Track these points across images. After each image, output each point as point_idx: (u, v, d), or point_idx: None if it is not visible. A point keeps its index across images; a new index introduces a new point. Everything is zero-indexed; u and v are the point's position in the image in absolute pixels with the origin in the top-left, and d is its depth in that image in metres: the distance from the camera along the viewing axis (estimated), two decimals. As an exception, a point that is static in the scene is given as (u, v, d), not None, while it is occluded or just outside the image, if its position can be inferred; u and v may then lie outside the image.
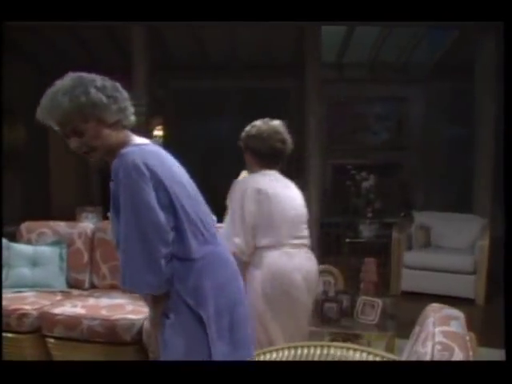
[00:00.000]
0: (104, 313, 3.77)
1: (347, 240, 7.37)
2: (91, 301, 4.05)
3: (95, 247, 4.52)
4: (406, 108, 9.51)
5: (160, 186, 1.97)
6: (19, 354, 3.76)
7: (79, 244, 4.53)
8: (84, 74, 2.03)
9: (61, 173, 9.55)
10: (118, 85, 2.09)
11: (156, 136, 11.78)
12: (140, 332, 3.64)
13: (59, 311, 3.83)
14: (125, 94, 2.10)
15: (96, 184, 10.03)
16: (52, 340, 3.80)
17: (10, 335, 3.83)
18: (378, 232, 7.34)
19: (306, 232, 3.21)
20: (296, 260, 3.03)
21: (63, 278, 4.41)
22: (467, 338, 1.91)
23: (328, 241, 7.65)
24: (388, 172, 8.97)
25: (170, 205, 1.99)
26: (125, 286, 2.02)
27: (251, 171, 3.24)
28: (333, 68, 9.25)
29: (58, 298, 4.17)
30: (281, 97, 9.67)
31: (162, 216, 1.94)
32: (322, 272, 4.19)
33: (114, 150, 2.03)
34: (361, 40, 8.37)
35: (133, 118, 2.13)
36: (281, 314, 2.97)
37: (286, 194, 3.15)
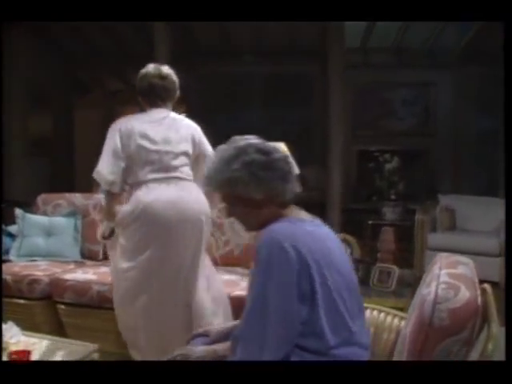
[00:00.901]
0: (114, 279, 3.71)
1: (370, 222, 7.24)
2: (103, 269, 4.00)
3: (110, 218, 4.47)
4: (433, 93, 9.33)
5: (305, 272, 1.74)
6: (30, 321, 3.72)
7: (94, 215, 4.50)
8: (244, 143, 1.95)
9: (86, 158, 9.58)
10: (275, 160, 1.92)
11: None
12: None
13: (70, 277, 3.80)
14: (281, 170, 1.91)
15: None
16: (62, 306, 3.77)
17: (21, 301, 3.82)
18: (401, 215, 7.20)
19: (178, 165, 3.34)
20: (156, 192, 3.22)
21: (77, 249, 4.38)
22: (476, 280, 1.80)
23: (351, 225, 7.52)
24: (414, 158, 8.79)
25: (312, 294, 1.75)
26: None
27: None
28: (357, 53, 9.13)
29: (71, 266, 4.13)
30: (305, 82, 9.58)
31: (294, 308, 1.72)
32: (337, 240, 4.11)
33: (267, 224, 1.89)
34: (385, 25, 8.22)
35: (290, 194, 1.94)
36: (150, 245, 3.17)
37: (158, 130, 3.33)
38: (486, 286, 1.87)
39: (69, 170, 9.46)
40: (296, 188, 1.96)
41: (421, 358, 1.65)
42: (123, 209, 3.28)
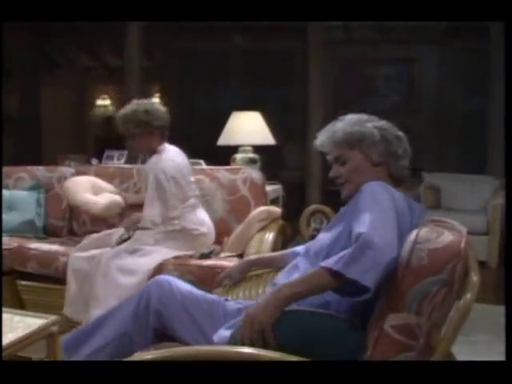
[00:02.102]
0: (83, 249, 3.69)
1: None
2: (70, 243, 3.98)
3: (75, 192, 4.38)
4: (418, 70, 9.28)
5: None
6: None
7: (58, 189, 4.39)
8: (374, 117, 2.19)
9: (52, 137, 9.49)
10: (403, 138, 2.15)
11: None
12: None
13: (34, 246, 3.78)
14: (406, 147, 2.14)
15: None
16: (23, 282, 3.71)
17: (-21, 278, 3.72)
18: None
19: None
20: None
21: (40, 225, 4.29)
22: (464, 234, 1.77)
23: (332, 206, 7.51)
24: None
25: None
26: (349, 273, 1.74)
27: (155, 148, 3.68)
28: (339, 29, 9.05)
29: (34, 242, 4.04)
30: (284, 59, 9.51)
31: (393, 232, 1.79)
32: (314, 211, 4.08)
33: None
34: None
35: (404, 172, 2.14)
36: None
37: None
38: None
39: (34, 150, 9.29)
40: (406, 174, 2.16)
41: (396, 297, 1.68)
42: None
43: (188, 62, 9.88)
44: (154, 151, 3.67)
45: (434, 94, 9.24)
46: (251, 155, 4.87)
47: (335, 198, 6.69)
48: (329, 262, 1.77)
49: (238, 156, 4.86)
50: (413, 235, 1.71)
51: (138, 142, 3.68)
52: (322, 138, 2.20)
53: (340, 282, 1.74)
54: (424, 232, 1.71)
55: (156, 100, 11.39)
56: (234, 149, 4.97)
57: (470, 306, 1.67)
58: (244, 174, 4.02)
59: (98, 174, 4.32)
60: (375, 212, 1.82)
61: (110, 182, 4.24)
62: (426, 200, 6.48)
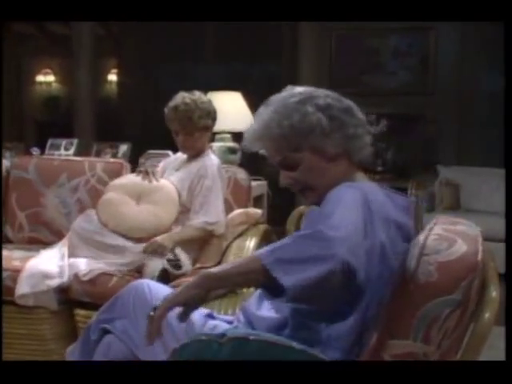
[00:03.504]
0: (17, 264, 3.64)
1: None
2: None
3: (10, 190, 4.38)
4: (433, 41, 9.26)
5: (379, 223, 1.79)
6: None
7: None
8: (307, 90, 1.98)
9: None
10: (352, 106, 1.98)
11: (111, 82, 11.62)
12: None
13: None
14: (360, 117, 1.98)
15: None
16: None
17: None
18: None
19: None
20: None
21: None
22: (479, 239, 1.76)
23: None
24: (407, 121, 8.70)
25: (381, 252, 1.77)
26: None
27: (204, 148, 3.87)
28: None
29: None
30: (270, 29, 9.51)
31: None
32: (304, 213, 4.11)
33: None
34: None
35: (367, 152, 2.00)
36: None
37: None
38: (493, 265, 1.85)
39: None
40: (369, 152, 2.02)
41: (399, 321, 1.66)
42: None
43: (150, 31, 9.86)
44: (203, 151, 3.82)
45: (452, 70, 9.24)
46: (230, 144, 4.90)
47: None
48: (262, 252, 1.64)
49: (215, 145, 4.87)
50: (418, 246, 1.68)
51: (197, 139, 3.77)
52: (251, 136, 1.99)
53: (266, 278, 1.59)
54: (432, 241, 1.67)
55: (113, 77, 11.43)
56: (210, 137, 4.95)
57: (489, 328, 1.68)
58: (228, 173, 4.04)
59: (39, 168, 4.32)
60: (338, 210, 1.71)
61: (55, 178, 4.24)
62: (443, 199, 6.51)
